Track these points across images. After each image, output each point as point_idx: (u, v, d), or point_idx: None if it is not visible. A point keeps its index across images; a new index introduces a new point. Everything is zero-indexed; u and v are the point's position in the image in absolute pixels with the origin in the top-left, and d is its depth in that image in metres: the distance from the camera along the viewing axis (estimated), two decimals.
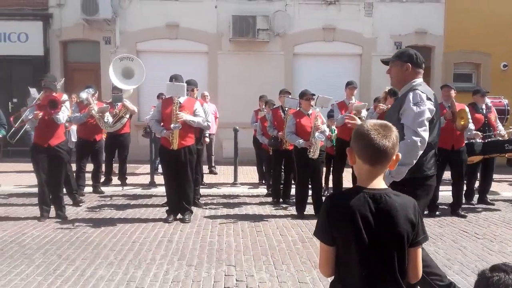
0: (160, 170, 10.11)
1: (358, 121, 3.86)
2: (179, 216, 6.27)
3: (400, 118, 3.16)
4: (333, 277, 1.88)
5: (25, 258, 4.66)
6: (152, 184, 8.90)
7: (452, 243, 5.31)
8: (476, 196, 7.54)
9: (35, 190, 8.13)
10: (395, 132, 1.78)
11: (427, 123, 3.07)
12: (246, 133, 9.99)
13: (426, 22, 12.36)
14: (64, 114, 6.13)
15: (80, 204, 7.13)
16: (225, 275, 4.25)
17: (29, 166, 10.53)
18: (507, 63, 12.34)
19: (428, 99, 3.12)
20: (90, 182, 8.20)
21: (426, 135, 3.03)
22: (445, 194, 7.25)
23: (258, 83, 12.26)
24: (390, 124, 1.79)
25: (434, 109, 3.14)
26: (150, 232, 5.67)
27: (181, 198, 6.18)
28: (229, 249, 5.02)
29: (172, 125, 5.89)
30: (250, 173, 10.46)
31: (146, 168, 11.14)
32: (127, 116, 8.70)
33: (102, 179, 8.63)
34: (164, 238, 5.41)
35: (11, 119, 6.57)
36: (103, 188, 8.30)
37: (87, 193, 7.98)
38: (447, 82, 7.16)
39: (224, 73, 12.51)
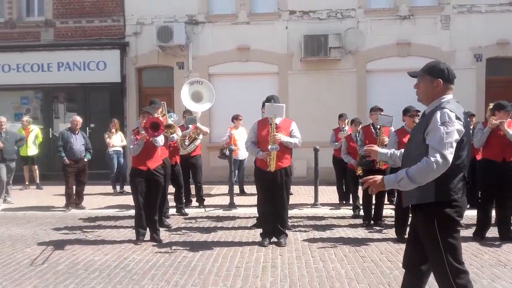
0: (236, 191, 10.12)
1: (376, 148, 3.51)
2: (273, 239, 6.09)
3: (425, 138, 2.89)
4: None
5: (135, 284, 4.61)
6: (232, 205, 8.82)
7: None
8: None
9: (122, 213, 8.36)
10: None
11: (454, 145, 2.79)
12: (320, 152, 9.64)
13: (508, 32, 11.74)
14: (162, 136, 6.18)
15: (169, 227, 7.14)
16: None
17: (108, 189, 10.97)
18: None
19: (457, 118, 2.83)
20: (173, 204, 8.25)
21: (451, 158, 2.77)
22: None
23: (330, 102, 12.10)
24: None
25: (463, 129, 2.85)
26: (250, 256, 5.51)
27: (277, 221, 6.01)
28: (339, 276, 4.75)
29: (269, 147, 5.76)
30: (325, 193, 10.18)
31: (220, 189, 11.21)
32: (200, 137, 8.75)
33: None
34: (267, 263, 5.23)
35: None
36: (186, 210, 8.31)
37: (171, 215, 7.99)
38: None
39: (295, 92, 12.41)
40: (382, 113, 7.15)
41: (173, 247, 5.93)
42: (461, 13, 11.96)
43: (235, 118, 10.21)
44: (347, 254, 5.56)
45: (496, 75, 12.06)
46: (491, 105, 6.40)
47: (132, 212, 7.96)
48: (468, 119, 7.56)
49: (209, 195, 10.11)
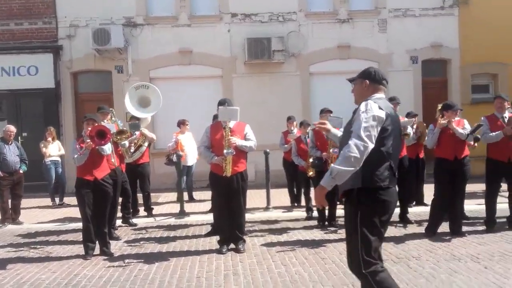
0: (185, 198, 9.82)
1: (329, 127, 3.70)
2: (231, 245, 5.94)
3: None
4: None
5: None
6: (183, 213, 8.54)
7: None
8: None
9: (65, 226, 7.84)
10: None
11: (372, 130, 3.03)
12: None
13: (441, 35, 12.36)
14: (109, 145, 5.84)
15: (118, 239, 6.78)
16: None
17: (47, 201, 10.27)
18: None
19: (380, 108, 3.11)
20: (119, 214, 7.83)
21: (369, 139, 3.00)
22: (500, 207, 6.94)
23: (274, 104, 12.12)
24: None
25: (385, 118, 3.10)
26: (210, 265, 5.32)
27: (234, 227, 5.86)
28: (303, 280, 4.69)
29: (225, 151, 5.61)
30: (275, 196, 10.10)
31: (168, 196, 10.87)
32: (146, 144, 8.43)
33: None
34: (228, 271, 5.07)
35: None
36: (134, 220, 7.94)
37: (118, 226, 7.58)
38: (500, 93, 6.99)
39: (240, 96, 12.25)
40: (331, 114, 7.20)
41: (127, 260, 5.61)
42: (396, 17, 12.43)
43: (182, 123, 9.94)
44: (307, 256, 5.53)
45: (431, 76, 12.66)
46: (439, 106, 6.64)
47: (75, 225, 7.56)
48: (413, 119, 7.82)
49: (157, 204, 9.74)
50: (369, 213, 3.07)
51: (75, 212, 8.77)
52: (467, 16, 12.24)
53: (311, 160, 7.24)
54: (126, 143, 6.96)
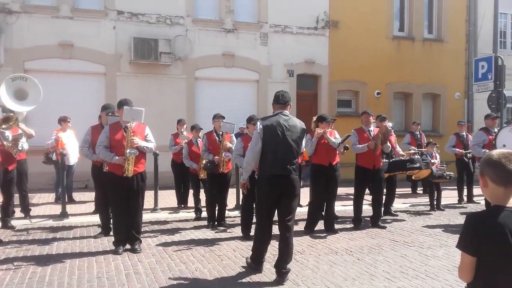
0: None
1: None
2: (127, 246, 6.00)
3: None
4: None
5: None
6: (64, 214, 8.21)
7: (393, 252, 6.03)
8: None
9: None
10: None
11: (256, 141, 4.83)
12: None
13: (314, 53, 13.66)
14: None
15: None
16: None
17: None
18: (380, 91, 14.23)
19: (261, 126, 4.77)
20: None
21: (252, 149, 4.86)
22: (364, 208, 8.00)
23: (160, 106, 12.18)
24: None
25: (262, 128, 4.78)
26: (108, 265, 5.34)
27: (131, 227, 5.94)
28: (204, 275, 5.01)
29: (128, 151, 5.67)
30: (160, 197, 10.21)
31: (42, 197, 10.28)
32: (24, 140, 8.00)
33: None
34: (129, 270, 5.16)
35: None
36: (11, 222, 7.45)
37: None
38: (367, 110, 8.01)
39: (124, 95, 11.81)
40: (224, 120, 7.64)
41: (16, 263, 5.34)
42: (276, 32, 13.41)
43: (63, 120, 9.53)
44: (204, 254, 5.85)
45: (304, 90, 13.87)
46: (314, 118, 7.47)
47: None
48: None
49: (32, 204, 9.16)
50: (259, 191, 5.00)
51: None
52: (336, 38, 13.74)
53: (204, 162, 7.59)
54: (10, 135, 6.61)
